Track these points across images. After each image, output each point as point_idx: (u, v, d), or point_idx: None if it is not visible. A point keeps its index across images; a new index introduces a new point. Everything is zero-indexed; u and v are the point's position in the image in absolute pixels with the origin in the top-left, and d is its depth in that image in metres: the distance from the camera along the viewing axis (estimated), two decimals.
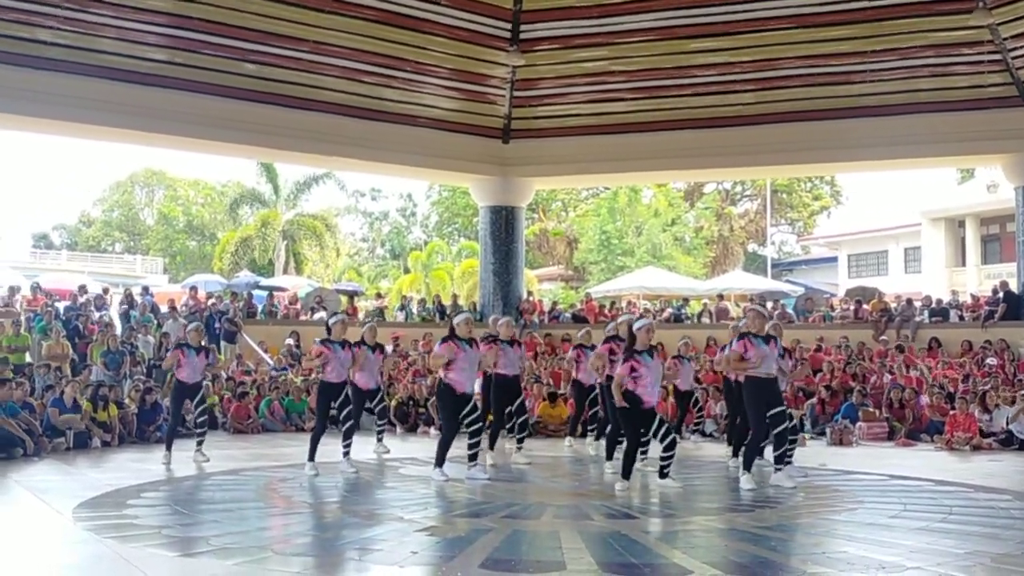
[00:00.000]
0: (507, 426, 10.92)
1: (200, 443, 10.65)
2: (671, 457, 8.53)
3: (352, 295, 23.45)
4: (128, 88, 15.79)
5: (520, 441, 10.74)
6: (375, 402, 11.02)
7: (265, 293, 22.78)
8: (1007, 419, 12.60)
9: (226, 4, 15.33)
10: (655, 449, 8.86)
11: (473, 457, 9.21)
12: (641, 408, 8.40)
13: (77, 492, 8.23)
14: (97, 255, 48.86)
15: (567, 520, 7.04)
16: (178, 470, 9.92)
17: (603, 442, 10.40)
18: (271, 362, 17.41)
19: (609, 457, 9.72)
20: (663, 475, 8.54)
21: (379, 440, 11.43)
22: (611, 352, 9.85)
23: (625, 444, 8.76)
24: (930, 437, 13.14)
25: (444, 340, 9.16)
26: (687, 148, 18.49)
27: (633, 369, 8.35)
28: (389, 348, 17.35)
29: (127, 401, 13.31)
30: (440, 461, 9.01)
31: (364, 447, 11.13)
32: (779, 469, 8.75)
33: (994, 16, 15.18)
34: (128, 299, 18.79)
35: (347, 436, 9.78)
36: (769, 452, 9.03)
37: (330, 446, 9.96)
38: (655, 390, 8.54)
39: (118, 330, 17.16)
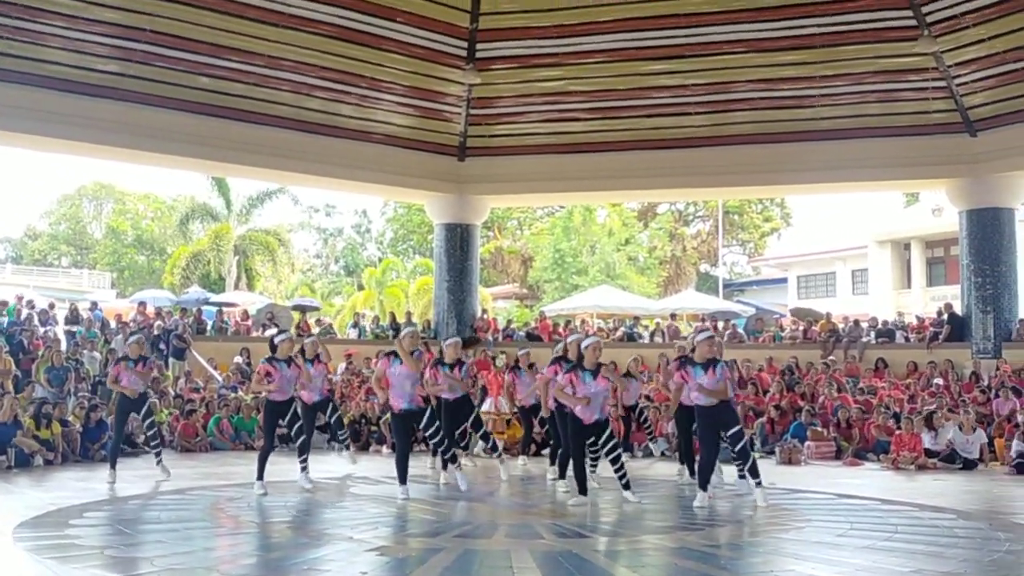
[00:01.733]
0: (462, 444, 10.91)
1: (159, 456, 10.54)
2: (622, 468, 8.72)
3: (305, 310, 23.15)
4: (78, 100, 15.53)
5: (494, 449, 10.73)
6: (328, 414, 11.01)
7: (215, 309, 22.44)
8: (948, 439, 12.85)
9: (179, 16, 15.17)
10: (604, 467, 8.91)
11: (453, 459, 9.54)
12: (581, 425, 8.53)
13: (17, 511, 8.02)
14: (43, 269, 47.85)
15: (519, 539, 7.01)
16: (123, 489, 9.71)
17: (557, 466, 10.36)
18: (220, 379, 17.17)
19: (562, 476, 9.71)
20: (626, 487, 8.73)
21: (347, 448, 11.63)
22: (555, 373, 9.81)
23: (572, 461, 8.85)
24: (876, 456, 13.34)
25: (385, 355, 9.28)
26: (641, 168, 18.66)
27: (571, 383, 8.48)
28: (342, 366, 17.22)
29: (71, 419, 13.00)
30: (402, 478, 9.00)
31: (318, 464, 11.00)
32: (759, 484, 8.68)
33: (938, 44, 15.59)
34: (73, 314, 18.40)
35: (302, 452, 9.69)
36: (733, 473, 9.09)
37: (279, 465, 9.83)
38: (592, 409, 8.55)
39: (63, 346, 16.80)
